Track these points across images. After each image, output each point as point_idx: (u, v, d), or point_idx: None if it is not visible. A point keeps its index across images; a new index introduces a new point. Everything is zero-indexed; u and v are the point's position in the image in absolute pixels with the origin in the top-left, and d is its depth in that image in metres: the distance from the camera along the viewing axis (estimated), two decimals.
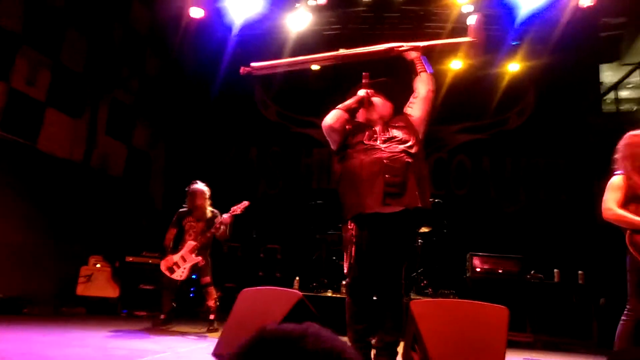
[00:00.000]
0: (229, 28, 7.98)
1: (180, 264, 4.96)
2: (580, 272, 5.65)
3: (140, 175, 7.78)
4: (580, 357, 4.97)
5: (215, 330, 4.86)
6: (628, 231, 2.96)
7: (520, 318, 5.38)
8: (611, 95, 8.87)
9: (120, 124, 7.24)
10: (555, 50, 7.68)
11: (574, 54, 7.76)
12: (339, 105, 3.12)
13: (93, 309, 5.84)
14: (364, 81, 3.12)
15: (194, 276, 5.25)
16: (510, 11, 7.44)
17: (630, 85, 9.95)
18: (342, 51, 3.51)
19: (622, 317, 2.99)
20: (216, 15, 7.96)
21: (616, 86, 8.23)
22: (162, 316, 4.99)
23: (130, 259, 6.31)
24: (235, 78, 8.30)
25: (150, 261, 6.28)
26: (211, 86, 8.34)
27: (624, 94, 9.82)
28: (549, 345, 5.36)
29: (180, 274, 4.93)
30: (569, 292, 5.53)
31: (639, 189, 2.98)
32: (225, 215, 4.98)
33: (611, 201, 3.04)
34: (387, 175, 2.82)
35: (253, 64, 3.49)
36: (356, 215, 2.90)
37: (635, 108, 10.88)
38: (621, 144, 3.17)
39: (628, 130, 3.21)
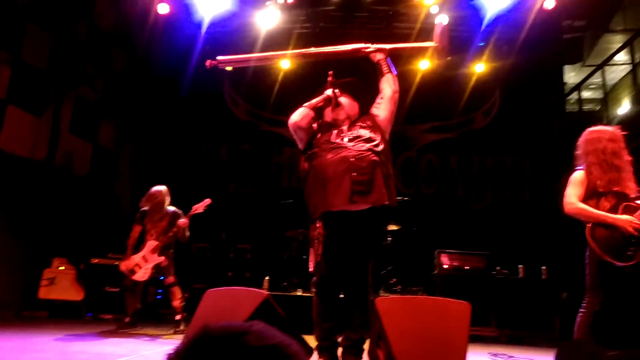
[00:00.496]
0: (197, 25, 7.90)
1: (142, 264, 4.87)
2: (543, 267, 5.79)
3: (106, 175, 7.61)
4: (542, 350, 5.10)
5: (182, 332, 4.79)
6: (588, 225, 3.03)
7: (486, 313, 5.50)
8: (574, 95, 9.15)
9: (85, 122, 7.06)
10: (520, 51, 7.87)
11: (538, 55, 7.96)
12: (305, 104, 3.14)
13: (56, 312, 5.69)
14: (329, 79, 3.12)
15: (161, 277, 5.17)
16: (477, 12, 7.58)
17: (592, 86, 10.29)
18: (309, 49, 3.53)
19: (580, 310, 3.07)
20: (184, 12, 7.86)
21: (579, 87, 8.49)
22: (126, 319, 4.89)
23: (96, 261, 6.16)
24: (205, 76, 8.28)
25: (116, 263, 6.10)
26: (180, 84, 8.24)
27: (586, 94, 10.14)
28: (513, 339, 5.49)
29: (142, 275, 4.84)
30: (533, 287, 5.67)
31: (598, 185, 3.04)
32: (182, 219, 4.93)
33: (572, 195, 3.09)
34: (354, 174, 2.84)
35: (219, 57, 3.48)
36: (323, 214, 2.91)
37: (597, 108, 11.25)
38: (582, 140, 3.23)
39: None
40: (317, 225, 2.94)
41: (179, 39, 8.19)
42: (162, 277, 5.08)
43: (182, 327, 4.84)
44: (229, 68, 8.12)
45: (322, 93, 3.19)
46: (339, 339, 2.99)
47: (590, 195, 3.06)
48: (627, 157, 3.09)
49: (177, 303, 4.91)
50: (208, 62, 3.46)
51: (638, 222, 2.92)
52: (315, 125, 3.14)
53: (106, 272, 6.09)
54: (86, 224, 6.82)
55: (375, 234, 3.06)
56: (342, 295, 3.05)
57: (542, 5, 7.25)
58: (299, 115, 3.08)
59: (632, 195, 3.03)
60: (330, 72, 3.12)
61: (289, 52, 3.68)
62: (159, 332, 4.87)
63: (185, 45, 8.17)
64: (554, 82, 8.60)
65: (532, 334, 5.52)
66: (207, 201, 4.99)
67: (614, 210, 2.99)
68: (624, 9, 8.97)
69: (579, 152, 3.22)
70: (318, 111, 3.14)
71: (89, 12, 7.11)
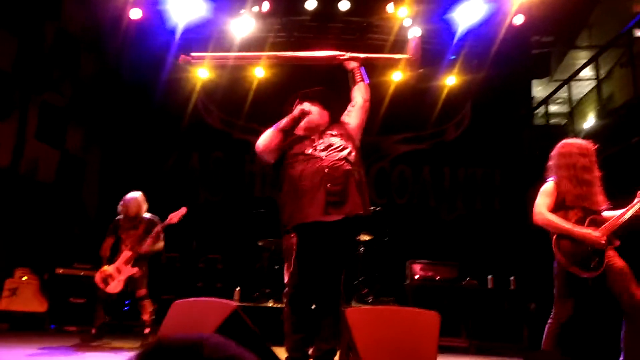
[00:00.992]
0: (171, 32, 7.81)
1: (115, 275, 4.72)
2: (512, 278, 5.88)
3: (73, 182, 7.41)
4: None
5: None
6: (555, 235, 3.07)
7: (456, 323, 5.53)
8: (542, 109, 9.37)
9: (51, 128, 6.87)
10: (491, 65, 8.03)
11: (507, 70, 8.15)
12: (274, 126, 3.11)
13: (18, 324, 5.48)
14: (296, 100, 3.14)
15: (128, 289, 5.03)
16: (449, 26, 7.72)
17: (559, 100, 10.56)
18: (285, 52, 3.56)
19: (548, 321, 3.11)
20: (157, 18, 7.77)
21: (546, 101, 8.70)
22: (92, 330, 4.73)
23: (61, 271, 5.97)
24: (178, 83, 8.22)
25: (82, 273, 5.97)
26: (152, 90, 8.11)
27: (553, 108, 10.40)
28: (482, 349, 5.54)
29: (115, 287, 4.70)
30: (502, 297, 5.74)
31: (567, 197, 3.09)
32: (157, 228, 4.82)
33: (542, 206, 3.13)
34: (328, 185, 2.84)
35: (193, 54, 3.45)
36: (297, 225, 2.89)
37: (563, 122, 11.56)
38: (554, 152, 3.27)
39: (557, 142, 3.34)
40: (292, 235, 2.93)
41: (152, 45, 8.07)
42: (129, 289, 4.95)
43: (149, 341, 4.71)
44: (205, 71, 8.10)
45: (290, 111, 3.18)
46: (310, 351, 2.96)
47: (559, 207, 3.12)
48: (597, 173, 3.15)
49: (146, 317, 4.78)
50: (181, 58, 3.43)
51: (599, 237, 2.97)
52: (283, 148, 3.12)
53: (71, 282, 5.91)
54: (51, 232, 6.61)
55: (349, 245, 3.07)
56: (313, 306, 3.02)
57: (511, 20, 7.44)
58: (267, 140, 3.07)
59: (600, 209, 3.10)
60: (297, 94, 3.14)
61: (265, 53, 3.70)
62: (125, 345, 4.73)
63: (158, 52, 8.07)
64: (523, 96, 8.81)
65: (501, 344, 5.57)
66: (183, 211, 4.86)
67: (580, 222, 3.04)
68: (589, 27, 9.28)
69: (551, 163, 3.27)
70: (286, 132, 3.11)
71: (57, 15, 6.96)
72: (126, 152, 8.07)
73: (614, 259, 3.01)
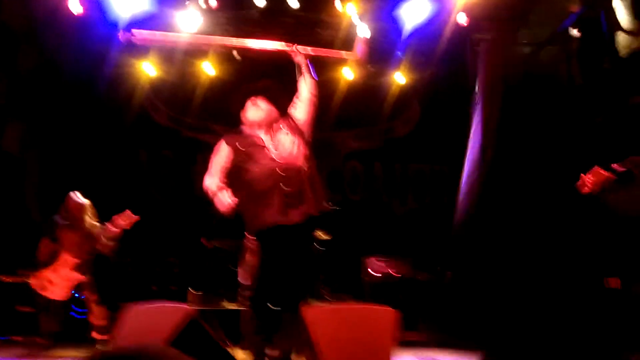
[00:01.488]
0: (114, 25, 7.52)
1: (55, 280, 4.51)
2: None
3: (12, 183, 7.02)
4: (467, 352, 5.30)
5: None
6: None
7: (413, 317, 5.64)
8: None
9: None
10: (436, 63, 8.23)
11: (453, 67, 8.37)
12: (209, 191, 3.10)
13: None
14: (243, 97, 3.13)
15: (77, 295, 4.84)
16: (396, 24, 7.84)
17: None
18: (233, 39, 3.54)
19: None
20: (99, 11, 7.46)
21: None
22: (39, 340, 4.52)
23: (3, 278, 5.66)
24: (122, 78, 7.93)
25: (27, 280, 5.67)
26: (95, 86, 7.79)
27: None
28: (439, 342, 5.65)
29: (57, 293, 4.50)
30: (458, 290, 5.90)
31: None
32: (111, 227, 4.64)
33: None
34: (283, 187, 2.84)
35: (135, 31, 3.33)
36: (258, 231, 2.89)
37: None
38: None
39: None
40: (251, 237, 2.92)
41: (94, 39, 7.74)
42: (77, 295, 4.76)
43: (102, 348, 4.56)
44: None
45: (240, 99, 3.17)
46: (269, 351, 2.96)
47: None
48: None
49: (98, 322, 4.60)
50: (121, 34, 3.31)
51: None
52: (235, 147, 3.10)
53: (16, 290, 5.60)
54: None
55: (307, 245, 3.09)
56: (272, 307, 3.02)
57: (455, 19, 7.65)
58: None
59: None
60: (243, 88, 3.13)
61: (212, 37, 3.66)
62: (76, 353, 4.55)
63: (100, 46, 7.75)
64: (469, 93, 9.08)
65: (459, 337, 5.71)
66: (130, 215, 4.69)
67: None
68: (529, 26, 9.67)
69: None
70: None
71: None
72: (69, 151, 7.72)
73: None
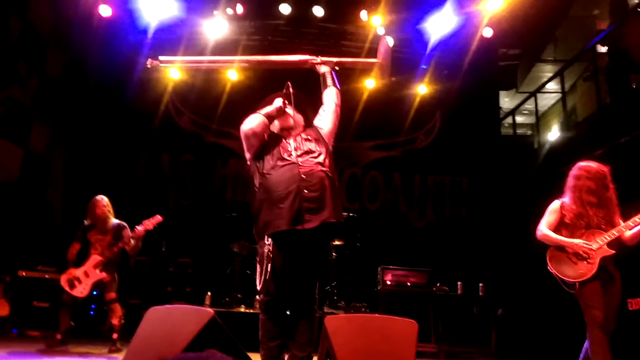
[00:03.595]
0: (142, 31, 7.67)
1: (82, 279, 4.61)
2: (481, 284, 6.01)
3: (38, 182, 7.16)
4: None
5: (118, 350, 4.57)
6: (549, 249, 3.33)
7: (426, 329, 5.61)
8: (509, 119, 9.65)
9: (15, 125, 6.63)
10: (460, 75, 8.23)
11: (476, 80, 8.36)
12: (260, 111, 3.13)
13: None
14: (285, 91, 3.14)
15: (94, 292, 4.91)
16: (421, 36, 7.87)
17: (525, 112, 10.91)
18: (256, 57, 3.55)
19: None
20: (128, 16, 7.62)
21: (513, 112, 8.95)
22: (58, 336, 4.59)
23: (24, 274, 5.75)
24: (148, 83, 8.07)
25: (46, 276, 5.77)
26: (122, 89, 7.95)
27: (519, 119, 10.73)
28: (451, 354, 5.63)
29: (81, 290, 4.58)
30: (471, 303, 5.86)
31: (569, 216, 3.32)
32: (139, 228, 4.72)
33: (543, 223, 3.41)
34: (305, 191, 2.84)
35: (161, 57, 3.39)
36: (273, 233, 2.88)
37: (529, 132, 11.94)
38: (570, 173, 3.44)
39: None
40: (267, 242, 2.91)
41: (122, 44, 7.91)
42: (95, 292, 4.83)
43: (118, 346, 4.61)
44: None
45: (271, 101, 3.20)
46: (285, 358, 2.95)
47: (562, 224, 3.36)
48: (607, 195, 3.30)
49: (116, 321, 4.68)
50: (149, 62, 3.37)
51: (587, 244, 3.19)
52: (265, 138, 3.13)
53: (35, 285, 5.71)
54: (14, 233, 6.36)
55: (325, 252, 3.08)
56: (288, 313, 3.01)
57: (481, 33, 7.65)
58: (253, 122, 3.07)
59: (609, 227, 3.25)
60: (288, 83, 3.14)
61: (236, 58, 3.68)
62: (91, 350, 4.61)
63: (128, 51, 7.91)
64: (490, 106, 9.03)
65: (469, 349, 5.69)
66: (159, 218, 4.80)
67: (582, 237, 3.26)
68: (555, 41, 9.63)
69: (566, 184, 3.44)
70: (271, 120, 3.14)
71: (23, 9, 6.73)
72: (93, 153, 7.86)
73: (613, 271, 3.22)
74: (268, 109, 3.15)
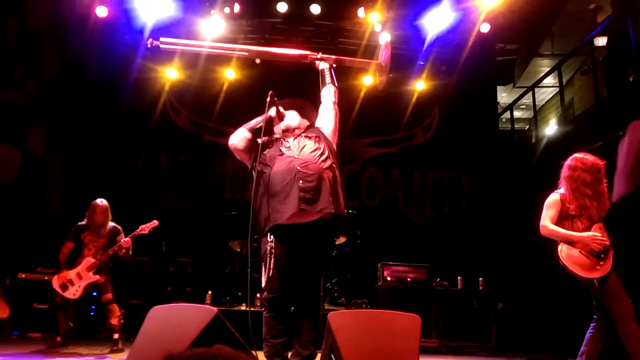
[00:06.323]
0: (138, 31, 7.64)
1: (75, 281, 4.61)
2: (481, 279, 6.02)
3: (35, 184, 7.13)
4: (480, 359, 5.30)
5: (120, 350, 4.56)
6: (560, 245, 3.28)
7: (426, 324, 5.63)
8: (506, 114, 9.66)
9: (13, 127, 6.60)
10: (458, 71, 8.23)
11: (473, 76, 8.36)
12: (244, 125, 3.19)
13: None
14: (268, 99, 3.15)
15: (94, 293, 4.91)
16: (418, 33, 7.86)
17: (522, 107, 10.92)
18: (257, 47, 3.56)
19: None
20: (124, 16, 7.60)
21: (511, 107, 8.96)
22: (58, 338, 4.60)
23: (23, 276, 5.75)
24: (145, 83, 8.05)
25: (45, 277, 5.75)
26: (118, 90, 7.94)
27: (517, 114, 10.74)
28: (452, 349, 5.65)
29: (74, 293, 4.58)
30: (471, 298, 5.87)
31: (571, 207, 3.29)
32: (126, 238, 4.73)
33: (545, 218, 3.35)
34: (301, 181, 2.86)
35: (162, 39, 3.39)
36: (274, 227, 2.89)
37: (526, 127, 11.95)
38: (565, 163, 3.43)
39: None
40: (269, 239, 2.92)
41: (119, 44, 7.89)
42: (94, 293, 4.83)
43: (119, 346, 4.60)
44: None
45: (265, 112, 3.21)
46: (289, 355, 2.95)
47: (565, 216, 3.32)
48: (600, 187, 3.28)
49: (115, 320, 4.68)
50: (150, 41, 3.36)
51: (600, 237, 3.15)
52: (260, 141, 3.14)
53: (34, 287, 5.71)
54: (13, 235, 6.34)
55: (327, 247, 3.08)
56: (292, 310, 3.01)
57: (478, 29, 7.65)
58: (236, 138, 3.15)
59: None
60: (270, 92, 3.15)
61: (237, 46, 3.68)
62: (92, 351, 4.60)
63: (125, 51, 7.89)
64: (488, 102, 9.04)
65: (470, 344, 5.70)
66: (155, 223, 4.83)
67: (587, 230, 3.24)
68: (551, 36, 9.63)
69: (561, 174, 3.43)
70: (256, 132, 3.16)
71: (20, 11, 6.70)
72: (91, 154, 7.84)
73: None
74: (253, 121, 3.19)
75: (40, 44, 7.16)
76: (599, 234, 3.17)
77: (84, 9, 7.32)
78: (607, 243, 3.12)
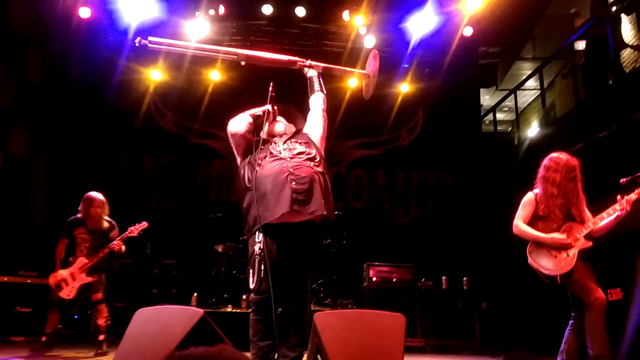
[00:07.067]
0: (122, 32, 7.60)
1: (69, 281, 4.56)
2: (465, 278, 6.10)
3: (17, 187, 7.04)
4: (464, 358, 5.36)
5: (105, 353, 4.52)
6: (529, 244, 3.35)
7: (412, 323, 5.68)
8: (489, 117, 9.79)
9: None
10: (441, 74, 8.33)
11: (457, 78, 8.47)
12: (246, 111, 3.19)
13: None
14: (271, 92, 3.16)
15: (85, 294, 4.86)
16: (403, 35, 7.94)
17: (505, 109, 11.08)
18: (245, 50, 3.55)
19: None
20: (107, 17, 7.56)
21: (494, 109, 9.09)
22: (43, 338, 4.53)
23: (5, 279, 5.67)
24: (129, 85, 7.99)
25: (28, 281, 5.70)
26: (102, 91, 7.87)
27: (500, 116, 10.89)
28: (437, 348, 5.72)
29: (68, 293, 4.53)
30: (456, 297, 5.95)
31: (542, 207, 3.35)
32: (115, 242, 4.70)
33: (518, 217, 3.42)
34: (293, 183, 2.86)
35: (150, 38, 3.37)
36: (263, 226, 2.88)
37: (509, 129, 12.12)
38: (542, 163, 3.48)
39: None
40: (257, 239, 2.92)
41: (102, 45, 7.83)
42: (87, 294, 4.78)
43: (104, 349, 4.56)
44: None
45: (268, 102, 3.23)
46: (276, 356, 2.96)
47: (538, 216, 3.38)
48: (571, 187, 3.33)
49: (102, 322, 4.63)
50: (138, 39, 3.33)
51: (564, 239, 3.23)
52: (252, 138, 3.16)
53: (17, 290, 5.62)
54: None
55: (315, 248, 3.10)
56: (279, 311, 3.02)
57: (461, 32, 7.76)
58: (238, 120, 3.14)
59: (579, 218, 3.32)
60: (272, 84, 3.17)
61: (224, 48, 3.66)
62: (77, 354, 4.56)
63: (108, 52, 7.84)
64: (472, 104, 9.16)
65: (455, 343, 5.78)
66: (144, 225, 4.80)
67: (557, 230, 3.30)
68: (533, 40, 9.80)
69: (538, 174, 3.47)
70: (256, 119, 3.18)
71: (2, 12, 6.61)
72: (74, 156, 7.76)
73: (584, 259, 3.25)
74: (254, 110, 3.20)
75: (23, 45, 7.08)
76: (560, 235, 3.25)
77: (67, 10, 7.27)
78: (569, 244, 3.22)
